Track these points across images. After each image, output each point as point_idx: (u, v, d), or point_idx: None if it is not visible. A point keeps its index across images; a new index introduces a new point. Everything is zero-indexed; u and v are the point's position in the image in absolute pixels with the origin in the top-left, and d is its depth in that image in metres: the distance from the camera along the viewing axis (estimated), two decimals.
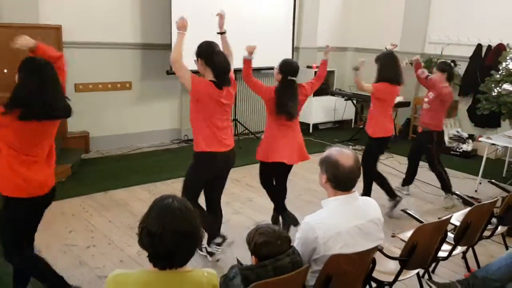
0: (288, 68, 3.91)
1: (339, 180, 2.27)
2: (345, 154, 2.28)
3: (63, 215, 4.40)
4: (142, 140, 6.80)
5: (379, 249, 2.69)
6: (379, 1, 8.58)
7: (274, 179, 4.23)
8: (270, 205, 4.64)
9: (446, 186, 5.15)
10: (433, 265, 3.53)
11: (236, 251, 3.46)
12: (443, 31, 7.66)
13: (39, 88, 2.60)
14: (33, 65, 2.65)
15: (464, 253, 3.40)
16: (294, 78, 3.89)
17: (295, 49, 8.00)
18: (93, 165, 5.88)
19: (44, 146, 2.81)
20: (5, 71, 5.04)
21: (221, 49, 3.58)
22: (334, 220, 2.22)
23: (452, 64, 5.24)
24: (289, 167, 4.18)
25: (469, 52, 7.33)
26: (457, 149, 7.13)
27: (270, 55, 7.26)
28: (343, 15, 8.85)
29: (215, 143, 3.43)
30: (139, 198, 4.87)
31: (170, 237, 1.67)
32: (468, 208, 3.07)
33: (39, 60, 2.69)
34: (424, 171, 6.24)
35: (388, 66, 4.62)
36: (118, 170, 5.77)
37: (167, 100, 6.89)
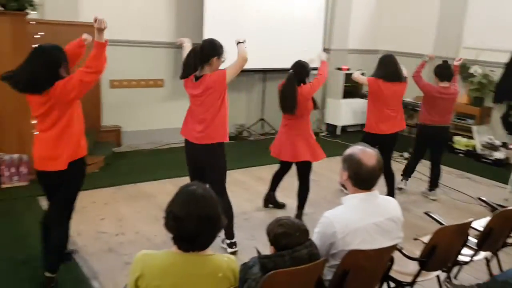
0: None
1: (360, 179, 2.32)
2: (368, 153, 2.33)
3: (95, 204, 4.58)
4: (171, 136, 6.91)
5: (398, 249, 2.73)
6: (413, 5, 8.50)
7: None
8: (294, 204, 4.72)
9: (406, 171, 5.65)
10: (456, 270, 3.52)
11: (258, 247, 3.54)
12: (478, 36, 7.53)
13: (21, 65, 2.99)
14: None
15: (488, 259, 3.37)
16: (291, 71, 4.22)
17: (325, 50, 8.01)
18: (124, 158, 6.07)
19: (41, 121, 3.02)
20: None
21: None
22: (353, 216, 2.28)
23: (444, 63, 5.35)
24: (303, 164, 4.38)
25: (505, 58, 7.19)
26: (489, 157, 7.02)
27: (300, 56, 7.34)
28: (376, 17, 8.79)
29: (185, 129, 3.76)
30: (166, 191, 5.00)
31: (193, 221, 1.78)
32: (492, 214, 3.06)
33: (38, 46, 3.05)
34: (453, 178, 6.20)
35: (382, 64, 4.86)
36: (148, 164, 5.93)
37: None
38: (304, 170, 4.42)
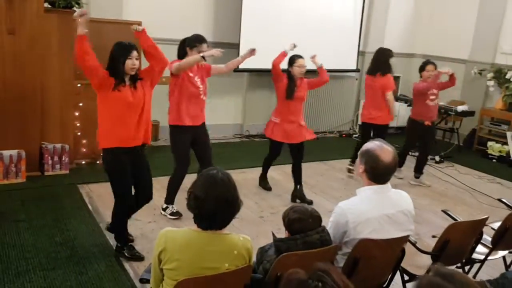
0: None
1: (376, 173, 2.43)
2: (385, 150, 2.43)
3: None
4: None
5: (412, 242, 2.83)
6: (451, 9, 8.45)
7: None
8: (320, 200, 4.85)
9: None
10: (475, 270, 3.56)
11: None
12: None
13: None
14: None
15: (505, 259, 3.42)
16: None
17: (360, 53, 8.08)
18: (160, 152, 6.32)
19: None
20: None
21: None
22: (365, 207, 2.41)
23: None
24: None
25: None
26: None
27: (335, 58, 7.42)
28: (413, 21, 8.78)
29: None
30: None
31: (212, 202, 1.96)
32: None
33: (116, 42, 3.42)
34: (484, 183, 6.18)
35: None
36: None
37: (233, 96, 7.22)
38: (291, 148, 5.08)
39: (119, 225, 3.67)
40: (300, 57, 4.77)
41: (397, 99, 8.16)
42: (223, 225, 2.04)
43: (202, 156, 4.46)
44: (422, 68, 5.73)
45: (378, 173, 2.45)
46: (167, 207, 4.43)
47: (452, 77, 5.65)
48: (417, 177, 5.91)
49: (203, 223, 2.01)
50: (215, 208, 1.97)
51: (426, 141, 5.89)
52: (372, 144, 2.50)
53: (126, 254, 3.62)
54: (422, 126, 5.72)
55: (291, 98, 4.74)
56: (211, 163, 4.36)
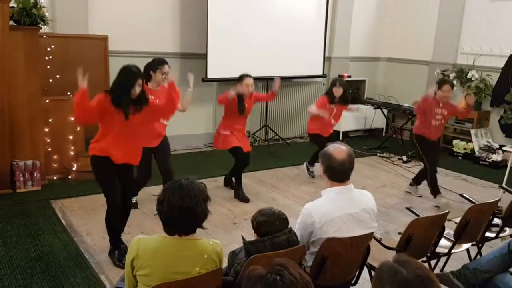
0: None
1: (332, 172, 2.57)
2: (339, 149, 2.59)
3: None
4: (178, 143, 7.14)
5: (377, 239, 2.96)
6: (412, 12, 8.74)
7: None
8: (292, 204, 4.95)
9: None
10: (442, 264, 3.71)
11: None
12: (475, 42, 7.75)
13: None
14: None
15: (469, 251, 3.57)
16: None
17: (326, 58, 8.25)
18: None
19: None
20: (58, 76, 5.57)
21: None
22: (330, 207, 2.52)
23: None
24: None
25: (501, 62, 7.39)
26: (487, 159, 7.20)
27: (302, 65, 7.57)
28: (376, 25, 9.04)
29: None
30: None
31: (166, 207, 2.06)
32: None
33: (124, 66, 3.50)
34: (450, 180, 6.39)
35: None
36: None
37: (202, 106, 7.28)
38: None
39: (108, 225, 3.84)
40: (248, 76, 5.13)
41: (363, 102, 8.39)
42: (184, 232, 2.09)
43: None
44: (439, 86, 5.26)
45: (334, 171, 2.58)
46: None
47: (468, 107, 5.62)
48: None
49: (165, 228, 2.10)
50: (169, 214, 2.05)
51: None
52: (329, 146, 2.67)
53: (114, 259, 3.76)
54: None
55: (243, 113, 5.21)
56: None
